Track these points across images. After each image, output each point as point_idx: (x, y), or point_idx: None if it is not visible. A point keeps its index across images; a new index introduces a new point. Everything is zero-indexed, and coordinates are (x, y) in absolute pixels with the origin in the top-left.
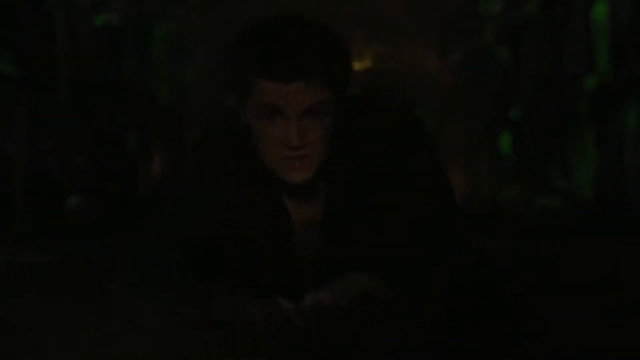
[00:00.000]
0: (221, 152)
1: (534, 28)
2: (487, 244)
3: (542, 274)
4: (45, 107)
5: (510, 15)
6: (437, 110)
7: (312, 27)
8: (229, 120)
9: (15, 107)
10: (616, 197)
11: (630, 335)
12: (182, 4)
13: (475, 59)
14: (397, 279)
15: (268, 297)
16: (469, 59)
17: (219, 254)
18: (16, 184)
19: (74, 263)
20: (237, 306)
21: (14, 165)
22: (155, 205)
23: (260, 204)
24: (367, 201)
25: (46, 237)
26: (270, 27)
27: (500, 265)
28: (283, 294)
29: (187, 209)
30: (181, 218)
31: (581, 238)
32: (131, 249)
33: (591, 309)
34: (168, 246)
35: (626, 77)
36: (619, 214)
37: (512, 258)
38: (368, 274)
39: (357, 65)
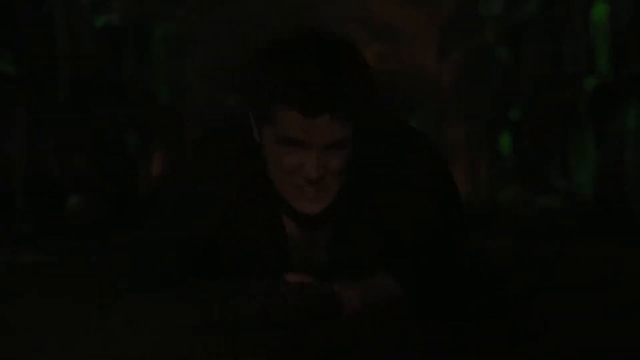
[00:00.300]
0: (221, 153)
1: (534, 28)
2: (487, 244)
3: (542, 274)
4: (45, 107)
5: (510, 16)
6: (437, 110)
7: (341, 53)
8: (229, 121)
9: (15, 107)
10: (616, 197)
11: (630, 335)
12: (182, 4)
13: (475, 59)
14: (411, 284)
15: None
16: (469, 59)
17: (217, 256)
18: (16, 184)
19: (74, 263)
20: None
21: (14, 165)
22: (154, 205)
23: (257, 215)
24: (376, 229)
25: (46, 237)
26: (296, 52)
27: (500, 265)
28: None
29: (186, 209)
30: (179, 218)
31: (581, 238)
32: (130, 249)
33: (591, 309)
34: (166, 246)
35: (626, 77)
36: (618, 214)
37: (512, 258)
38: (392, 278)
39: None
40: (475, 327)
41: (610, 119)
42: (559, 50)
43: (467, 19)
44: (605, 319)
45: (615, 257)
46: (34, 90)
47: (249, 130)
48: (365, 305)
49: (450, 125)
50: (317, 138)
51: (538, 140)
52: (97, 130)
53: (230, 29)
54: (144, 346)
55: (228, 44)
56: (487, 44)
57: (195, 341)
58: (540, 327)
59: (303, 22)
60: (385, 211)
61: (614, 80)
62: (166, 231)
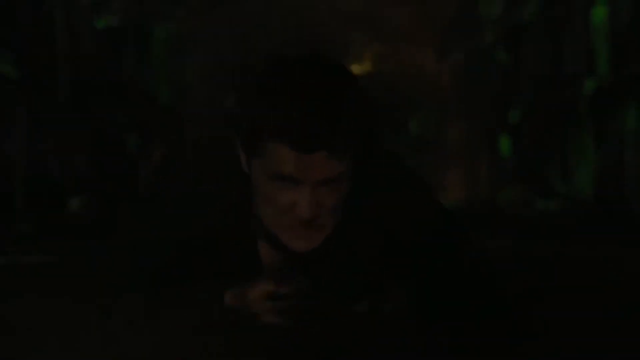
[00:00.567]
0: (206, 167)
1: (534, 29)
2: (487, 244)
3: (542, 274)
4: (45, 107)
5: (510, 17)
6: (437, 111)
7: (339, 84)
8: (218, 142)
9: (15, 107)
10: (616, 198)
11: (630, 335)
12: (182, 4)
13: (475, 59)
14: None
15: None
16: (469, 59)
17: (215, 257)
18: (16, 184)
19: (74, 263)
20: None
21: (14, 165)
22: (147, 205)
23: (232, 239)
24: (364, 261)
25: (46, 237)
26: (290, 81)
27: (500, 266)
28: None
29: (176, 210)
30: (169, 219)
31: (581, 238)
32: (127, 249)
33: (591, 309)
34: (164, 246)
35: (625, 78)
36: (618, 214)
37: (512, 258)
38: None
39: (356, 67)
40: (475, 327)
41: (609, 119)
42: (558, 51)
43: (467, 19)
44: (605, 319)
45: (615, 257)
46: (34, 90)
47: (236, 157)
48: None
49: (450, 125)
50: (312, 175)
51: (538, 140)
52: (97, 130)
53: (230, 29)
54: (144, 346)
55: (228, 44)
56: (487, 44)
57: (195, 341)
58: (540, 327)
59: (303, 22)
60: (374, 249)
61: (613, 81)
62: (155, 231)
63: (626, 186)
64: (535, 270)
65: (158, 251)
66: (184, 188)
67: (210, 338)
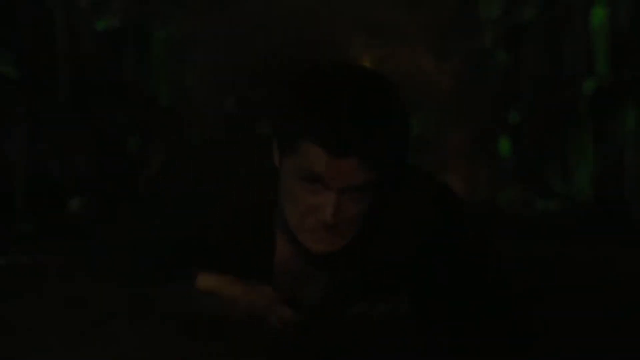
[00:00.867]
0: (227, 159)
1: (534, 30)
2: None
3: (542, 275)
4: (45, 107)
5: (510, 18)
6: (437, 111)
7: (378, 93)
8: (249, 139)
9: (15, 107)
10: (616, 198)
11: (630, 335)
12: (182, 5)
13: (475, 60)
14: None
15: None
16: (468, 60)
17: (213, 257)
18: (16, 184)
19: (74, 263)
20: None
21: (14, 165)
22: (149, 203)
23: (248, 231)
24: (383, 279)
25: (46, 237)
26: (330, 85)
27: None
28: None
29: (182, 209)
30: (167, 219)
31: (581, 238)
32: (126, 248)
33: (591, 309)
34: (163, 245)
35: (625, 79)
36: (618, 214)
37: (512, 258)
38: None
39: None
40: (475, 327)
41: (609, 120)
42: (558, 51)
43: (467, 20)
44: (605, 319)
45: (615, 258)
46: (34, 90)
47: (269, 152)
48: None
49: (450, 126)
50: (340, 179)
51: (538, 141)
52: (97, 130)
53: (231, 29)
54: (144, 346)
55: (228, 45)
56: (486, 45)
57: (195, 341)
58: (540, 327)
59: (303, 24)
60: (395, 263)
61: (613, 82)
62: (162, 230)
63: (626, 186)
64: (535, 270)
65: (160, 250)
66: (189, 187)
67: (210, 338)
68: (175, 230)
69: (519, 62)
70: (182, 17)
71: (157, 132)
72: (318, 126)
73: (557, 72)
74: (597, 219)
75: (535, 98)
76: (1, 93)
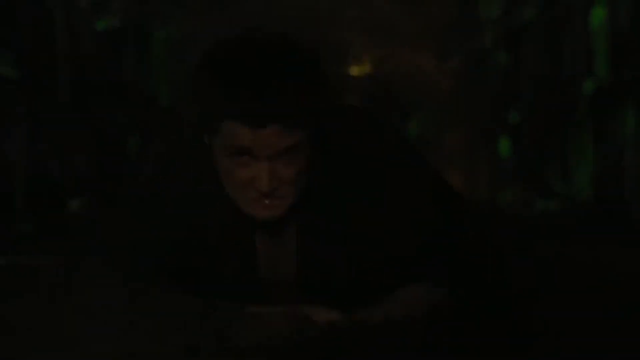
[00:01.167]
0: (187, 167)
1: (534, 30)
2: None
3: (542, 275)
4: (45, 107)
5: (510, 18)
6: (436, 112)
7: (287, 57)
8: (190, 132)
9: (16, 107)
10: (615, 198)
11: (630, 335)
12: (182, 5)
13: (475, 61)
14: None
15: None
16: (468, 61)
17: (186, 271)
18: (16, 184)
19: (74, 263)
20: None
21: (14, 165)
22: (123, 210)
23: (226, 226)
24: (346, 234)
25: (46, 237)
26: (238, 58)
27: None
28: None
29: (157, 215)
30: (161, 218)
31: (581, 238)
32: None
33: (591, 309)
34: (142, 253)
35: (625, 79)
36: (618, 215)
37: (512, 258)
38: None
39: (356, 70)
40: (475, 327)
41: (609, 120)
42: (558, 52)
43: (467, 20)
44: (605, 319)
45: (615, 258)
46: (34, 90)
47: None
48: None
49: (450, 126)
50: (267, 148)
51: (538, 141)
52: (97, 130)
53: (231, 29)
54: (144, 346)
55: None
56: (486, 45)
57: (195, 341)
58: (540, 327)
59: (303, 24)
60: (355, 214)
61: (613, 82)
62: (148, 231)
63: (626, 186)
64: (535, 270)
65: (148, 251)
66: (168, 186)
67: (211, 338)
68: (160, 230)
69: (519, 62)
70: (182, 17)
71: (157, 132)
72: (234, 105)
73: (557, 72)
74: (597, 219)
75: (535, 98)
76: (1, 93)
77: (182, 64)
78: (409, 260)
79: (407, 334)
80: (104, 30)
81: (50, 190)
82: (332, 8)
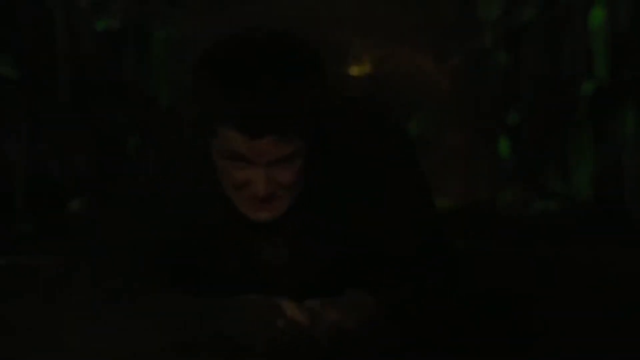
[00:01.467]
0: (187, 167)
1: (534, 31)
2: (487, 245)
3: (542, 275)
4: (45, 108)
5: (510, 18)
6: (436, 112)
7: (290, 64)
8: (181, 125)
9: (16, 107)
10: (615, 198)
11: (630, 335)
12: (182, 5)
13: (474, 61)
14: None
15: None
16: (468, 61)
17: (183, 265)
18: (16, 184)
19: (74, 263)
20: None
21: (14, 165)
22: (113, 209)
23: (224, 228)
24: (343, 227)
25: (46, 237)
26: (238, 63)
27: (500, 266)
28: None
29: (145, 213)
30: (138, 224)
31: (581, 239)
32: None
33: (591, 309)
34: (134, 253)
35: (624, 80)
36: (618, 215)
37: (512, 259)
38: (371, 296)
39: (355, 71)
40: (475, 327)
41: (609, 120)
42: (558, 52)
43: (467, 21)
44: (605, 319)
45: (615, 258)
46: (34, 90)
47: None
48: (342, 324)
49: (449, 126)
50: (263, 157)
51: (537, 141)
52: (97, 130)
53: (231, 30)
54: (145, 346)
55: None
56: (486, 46)
57: (195, 341)
58: (540, 327)
59: (303, 24)
60: (353, 213)
61: (612, 83)
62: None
63: (626, 186)
64: (535, 270)
65: (147, 251)
66: (160, 184)
67: (210, 338)
68: (159, 230)
69: (519, 62)
70: (182, 17)
71: (157, 132)
72: (230, 112)
73: (557, 73)
74: (597, 219)
75: (535, 98)
76: (1, 93)
77: (182, 64)
78: (407, 260)
79: (407, 334)
80: (104, 30)
81: (50, 190)
82: (332, 8)
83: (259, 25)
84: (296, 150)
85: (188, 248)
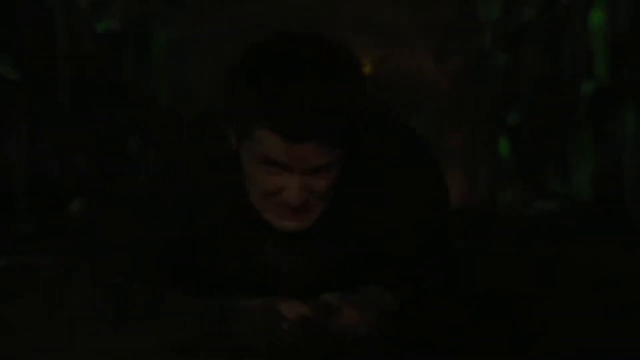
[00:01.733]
0: (187, 167)
1: (533, 31)
2: (487, 245)
3: (542, 275)
4: (46, 108)
5: (510, 19)
6: (436, 112)
7: (334, 70)
8: (203, 120)
9: (16, 107)
10: (615, 198)
11: (630, 335)
12: (182, 5)
13: (474, 61)
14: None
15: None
16: (468, 61)
17: (190, 264)
18: (16, 184)
19: (74, 263)
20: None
21: (14, 165)
22: (117, 207)
23: (226, 229)
24: (357, 242)
25: (46, 237)
26: (283, 66)
27: (500, 266)
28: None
29: (155, 211)
30: (147, 222)
31: (581, 239)
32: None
33: (591, 309)
34: (138, 252)
35: (624, 80)
36: (618, 215)
37: (512, 258)
38: (387, 291)
39: None
40: (475, 327)
41: (609, 120)
42: (558, 53)
43: (466, 21)
44: (605, 319)
45: (615, 258)
46: (34, 90)
47: (224, 136)
48: (361, 319)
49: (449, 127)
50: (301, 163)
51: (537, 142)
52: (97, 130)
53: (231, 30)
54: (145, 346)
55: (228, 45)
56: (486, 46)
57: (195, 341)
58: (540, 327)
59: (303, 24)
60: (367, 226)
61: (612, 83)
62: (132, 235)
63: (626, 186)
64: (535, 270)
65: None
66: (176, 177)
67: (210, 338)
68: (159, 230)
69: (519, 62)
70: (182, 18)
71: (157, 133)
72: (272, 113)
73: (557, 73)
74: (597, 219)
75: (535, 98)
76: (1, 93)
77: (182, 64)
78: (407, 260)
79: (407, 334)
80: (104, 30)
81: (50, 190)
82: (332, 8)
83: (286, 28)
84: (335, 159)
85: (188, 248)
